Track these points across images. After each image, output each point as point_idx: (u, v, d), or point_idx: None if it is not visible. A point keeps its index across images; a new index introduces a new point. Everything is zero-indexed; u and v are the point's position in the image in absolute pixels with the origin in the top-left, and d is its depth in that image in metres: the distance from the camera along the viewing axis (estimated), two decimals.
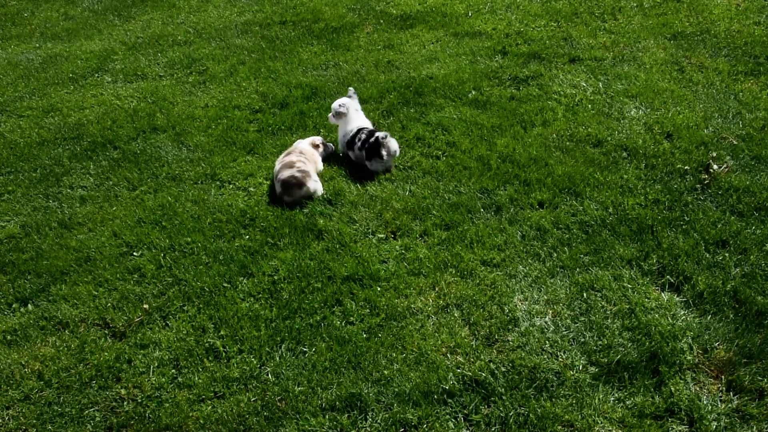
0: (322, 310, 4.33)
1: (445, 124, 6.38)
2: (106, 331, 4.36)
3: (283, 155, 5.74)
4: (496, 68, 7.44)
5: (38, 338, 4.37)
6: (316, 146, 5.94)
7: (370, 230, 5.06)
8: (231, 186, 5.78)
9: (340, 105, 5.98)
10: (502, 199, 5.21)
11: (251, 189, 5.70)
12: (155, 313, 4.43)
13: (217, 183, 5.85)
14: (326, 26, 9.17)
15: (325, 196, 5.48)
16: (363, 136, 5.79)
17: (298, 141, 5.99)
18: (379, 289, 4.45)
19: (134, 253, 5.02)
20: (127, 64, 8.61)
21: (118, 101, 7.63)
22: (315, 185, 5.43)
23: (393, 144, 5.77)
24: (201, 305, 4.45)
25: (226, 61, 8.35)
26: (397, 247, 4.86)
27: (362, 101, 7.00)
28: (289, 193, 5.34)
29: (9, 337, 4.39)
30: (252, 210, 5.37)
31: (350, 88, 6.21)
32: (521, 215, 5.02)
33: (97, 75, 8.45)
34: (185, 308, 4.44)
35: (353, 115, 6.02)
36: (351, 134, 5.91)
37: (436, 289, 4.44)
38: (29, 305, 4.65)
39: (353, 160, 5.97)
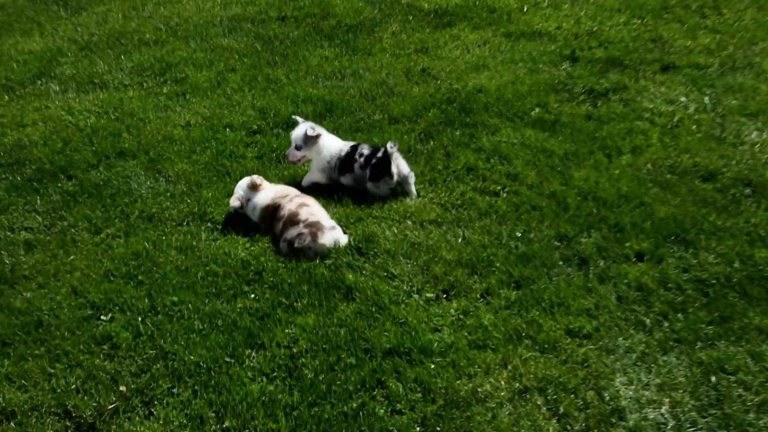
0: (360, 394, 4.29)
1: (503, 150, 6.45)
2: (68, 423, 4.30)
3: (267, 198, 5.82)
4: (565, 79, 7.55)
5: None
6: (256, 187, 5.94)
7: (414, 288, 5.06)
8: (227, 229, 5.81)
9: (311, 127, 6.15)
10: (587, 249, 5.23)
11: (254, 233, 5.73)
12: (135, 397, 4.38)
13: (209, 225, 5.88)
14: (339, 23, 9.34)
15: (353, 242, 5.49)
16: (365, 152, 6.08)
17: (239, 185, 6.02)
18: (432, 366, 4.43)
19: (102, 317, 5.00)
20: (80, 69, 8.74)
21: (70, 117, 7.71)
22: (333, 237, 5.47)
23: (403, 164, 6.00)
24: (197, 386, 4.40)
25: (210, 67, 8.48)
26: (452, 310, 4.85)
27: (392, 120, 7.10)
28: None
29: None
30: (257, 261, 5.38)
31: (296, 117, 6.43)
32: (614, 270, 5.03)
33: (40, 82, 8.57)
34: (175, 391, 4.40)
35: (330, 136, 6.31)
36: (344, 153, 6.16)
37: (509, 367, 4.41)
38: None
39: (345, 186, 6.20)
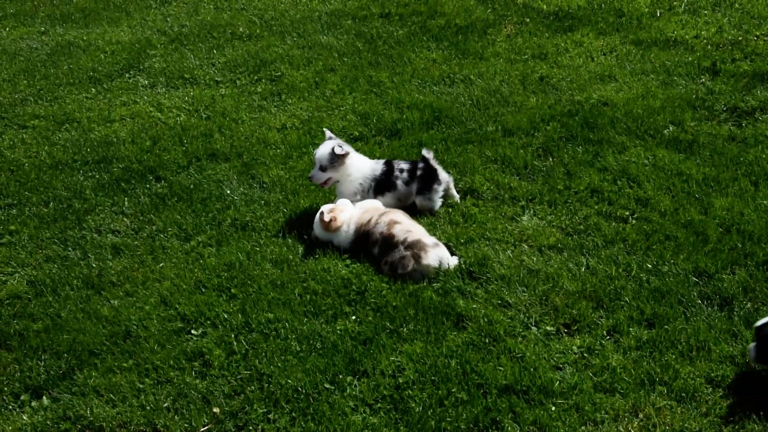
0: None
1: (632, 172, 6.39)
2: None
3: (350, 234, 5.86)
4: (704, 94, 7.44)
5: None
6: (329, 227, 5.86)
7: (531, 320, 5.05)
8: (326, 243, 5.90)
9: (338, 145, 6.14)
10: (731, 288, 5.12)
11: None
12: (228, 420, 4.48)
13: (306, 238, 5.98)
14: (447, 24, 9.42)
15: (464, 266, 5.51)
16: (404, 167, 6.25)
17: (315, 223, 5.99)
18: (553, 408, 4.39)
19: (193, 331, 5.14)
20: (170, 63, 9.04)
21: (159, 113, 7.99)
22: (437, 255, 5.50)
23: (441, 169, 6.26)
24: (295, 413, 4.48)
25: (308, 66, 8.66)
26: (574, 347, 4.81)
27: (507, 132, 7.10)
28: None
29: None
30: (359, 279, 5.45)
31: (326, 130, 6.45)
32: (764, 313, 4.90)
33: (128, 75, 8.92)
34: (271, 417, 4.49)
35: (358, 155, 6.36)
36: (380, 171, 6.27)
37: (640, 415, 4.35)
38: (44, 398, 4.78)
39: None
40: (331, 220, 5.78)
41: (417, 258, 5.44)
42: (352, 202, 6.15)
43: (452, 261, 5.56)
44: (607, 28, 9.01)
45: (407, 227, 5.65)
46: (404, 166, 6.26)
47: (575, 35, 8.93)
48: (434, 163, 6.16)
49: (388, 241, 5.58)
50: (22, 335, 5.25)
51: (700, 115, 7.12)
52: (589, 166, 6.54)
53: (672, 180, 6.26)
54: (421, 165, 6.18)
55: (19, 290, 5.69)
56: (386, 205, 6.16)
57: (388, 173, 6.25)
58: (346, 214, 5.89)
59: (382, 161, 6.35)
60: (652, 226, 5.77)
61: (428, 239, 5.57)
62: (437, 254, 5.50)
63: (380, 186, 6.26)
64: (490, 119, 7.40)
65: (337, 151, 6.09)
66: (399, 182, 6.23)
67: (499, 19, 9.47)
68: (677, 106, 7.27)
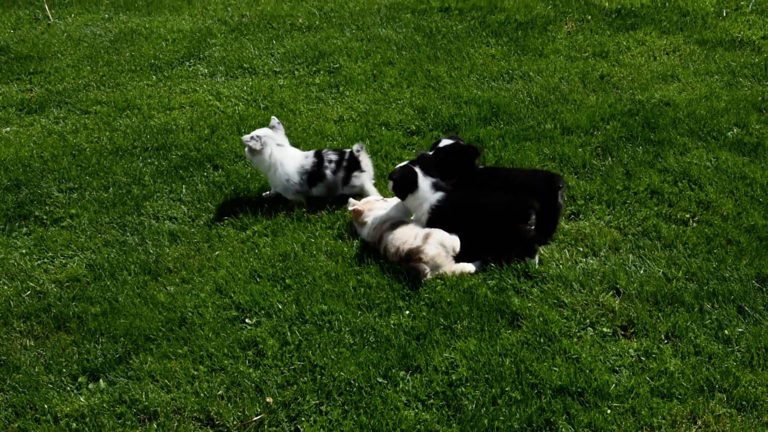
0: None
1: (694, 174, 6.28)
2: (211, 431, 4.45)
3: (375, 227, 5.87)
4: None
5: (114, 430, 4.52)
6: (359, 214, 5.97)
7: (587, 321, 4.97)
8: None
9: (252, 138, 6.24)
10: None
11: None
12: (281, 410, 4.49)
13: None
14: (507, 19, 9.36)
15: (519, 264, 5.44)
16: (332, 157, 6.34)
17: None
18: (609, 411, 4.33)
19: (247, 320, 5.16)
20: (230, 52, 9.11)
21: (218, 102, 8.05)
22: (435, 243, 5.45)
23: (367, 160, 6.40)
24: (347, 406, 4.47)
25: (366, 59, 8.65)
26: (631, 350, 4.74)
27: (565, 130, 7.02)
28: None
29: (74, 425, 4.55)
30: None
31: (273, 118, 6.50)
32: None
33: (188, 63, 9.00)
34: (324, 409, 4.48)
35: (284, 153, 6.37)
36: (310, 164, 6.33)
37: (699, 422, 4.26)
38: (101, 381, 4.84)
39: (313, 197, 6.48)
40: (358, 216, 5.94)
41: (419, 261, 5.37)
42: (291, 183, 6.32)
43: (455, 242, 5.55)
44: (671, 27, 8.88)
45: (397, 236, 5.60)
46: (332, 157, 6.36)
47: (638, 34, 8.82)
48: (359, 154, 6.31)
49: (390, 259, 5.57)
50: (80, 318, 5.32)
51: (766, 118, 6.98)
52: (649, 167, 6.44)
53: (735, 183, 6.14)
54: (347, 157, 6.34)
55: (78, 273, 5.77)
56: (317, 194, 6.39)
57: (317, 165, 6.32)
58: (374, 213, 5.92)
59: (309, 154, 6.44)
60: (713, 230, 5.66)
61: (415, 239, 5.50)
62: (434, 242, 5.45)
63: (313, 176, 6.34)
64: (549, 117, 7.32)
65: (250, 143, 6.23)
66: (327, 171, 6.31)
67: (560, 15, 9.39)
68: (742, 108, 7.14)
